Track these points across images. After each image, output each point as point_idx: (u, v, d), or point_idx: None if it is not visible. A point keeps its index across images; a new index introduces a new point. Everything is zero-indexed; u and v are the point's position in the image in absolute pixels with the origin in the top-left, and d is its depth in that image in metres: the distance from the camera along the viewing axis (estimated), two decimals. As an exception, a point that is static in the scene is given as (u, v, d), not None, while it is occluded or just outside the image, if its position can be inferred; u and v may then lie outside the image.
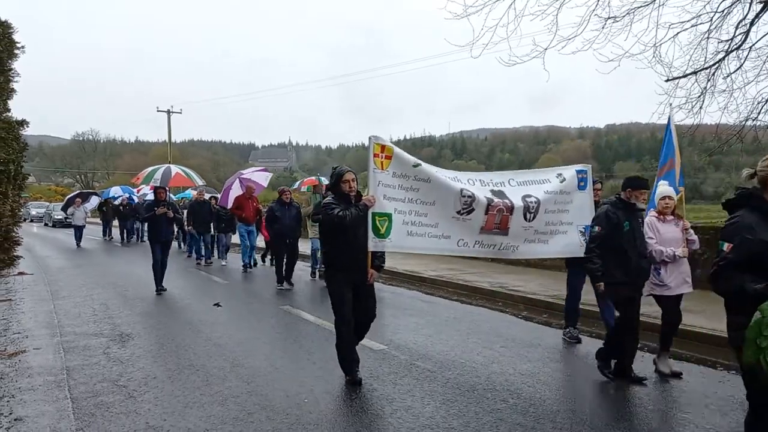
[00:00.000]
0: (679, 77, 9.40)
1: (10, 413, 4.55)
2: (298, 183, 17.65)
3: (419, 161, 5.27)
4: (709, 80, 9.40)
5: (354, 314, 5.23)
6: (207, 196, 16.39)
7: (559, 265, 8.55)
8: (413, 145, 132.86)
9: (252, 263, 14.31)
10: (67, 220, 24.54)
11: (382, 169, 5.06)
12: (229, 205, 14.11)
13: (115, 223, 25.32)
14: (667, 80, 9.39)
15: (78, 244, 21.22)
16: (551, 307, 8.75)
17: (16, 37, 7.77)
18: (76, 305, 9.22)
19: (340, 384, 5.25)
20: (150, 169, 16.33)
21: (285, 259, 11.12)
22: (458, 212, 5.27)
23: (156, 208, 10.22)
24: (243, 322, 8.01)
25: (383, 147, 5.07)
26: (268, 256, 15.06)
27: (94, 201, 25.80)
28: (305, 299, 9.63)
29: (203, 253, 15.87)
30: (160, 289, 10.44)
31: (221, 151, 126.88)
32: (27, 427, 4.29)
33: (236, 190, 14.05)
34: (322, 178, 14.91)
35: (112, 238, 24.95)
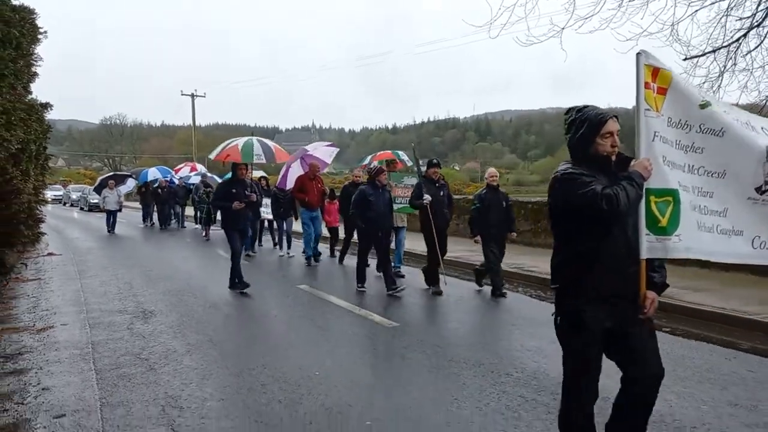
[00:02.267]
0: (698, 56, 9.26)
1: (38, 383, 4.83)
2: (369, 158, 14.33)
3: (709, 98, 3.07)
4: (728, 59, 9.24)
5: (625, 371, 3.01)
6: (257, 175, 14.65)
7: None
8: (437, 128, 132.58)
9: (316, 255, 11.83)
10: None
11: (657, 110, 2.94)
12: (289, 187, 12.15)
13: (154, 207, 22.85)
14: (685, 59, 9.27)
15: (110, 230, 19.32)
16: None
17: (38, 22, 8.04)
18: (102, 284, 9.55)
19: (352, 359, 5.43)
20: (240, 142, 13.06)
21: (379, 253, 8.84)
22: (758, 189, 3.09)
23: (234, 190, 8.72)
24: (261, 301, 8.24)
25: (656, 71, 2.92)
26: (337, 247, 12.62)
27: (130, 184, 23.64)
28: (322, 278, 9.81)
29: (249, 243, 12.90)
30: (242, 286, 8.68)
31: (246, 135, 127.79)
32: (54, 396, 4.55)
33: (297, 170, 12.09)
34: (401, 153, 13.22)
35: (153, 224, 22.75)
